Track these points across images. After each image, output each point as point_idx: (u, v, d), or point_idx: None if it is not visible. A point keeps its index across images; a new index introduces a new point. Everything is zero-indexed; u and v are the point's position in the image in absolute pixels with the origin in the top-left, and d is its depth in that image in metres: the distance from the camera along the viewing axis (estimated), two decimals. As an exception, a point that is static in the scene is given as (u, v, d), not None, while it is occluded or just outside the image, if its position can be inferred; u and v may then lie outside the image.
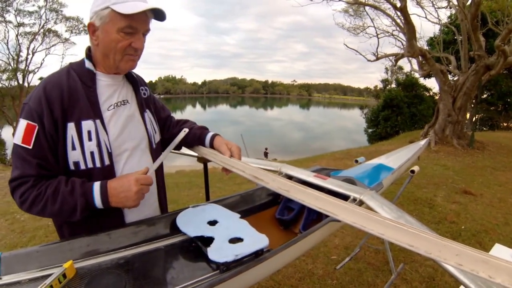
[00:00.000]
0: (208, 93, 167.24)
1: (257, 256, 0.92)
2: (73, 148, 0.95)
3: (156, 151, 1.17)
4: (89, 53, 1.04)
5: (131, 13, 0.92)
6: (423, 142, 2.71)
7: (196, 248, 0.98)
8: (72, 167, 0.96)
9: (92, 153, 0.96)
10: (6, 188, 5.80)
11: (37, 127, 0.90)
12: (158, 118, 1.25)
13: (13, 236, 3.47)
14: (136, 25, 0.96)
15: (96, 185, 0.93)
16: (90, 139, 0.96)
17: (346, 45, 12.38)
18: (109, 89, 1.05)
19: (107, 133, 0.99)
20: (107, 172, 0.99)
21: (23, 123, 0.91)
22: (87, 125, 0.96)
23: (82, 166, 0.96)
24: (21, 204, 0.93)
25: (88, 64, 1.02)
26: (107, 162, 0.99)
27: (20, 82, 16.61)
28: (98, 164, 0.98)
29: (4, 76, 16.32)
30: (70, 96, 0.95)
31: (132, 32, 0.97)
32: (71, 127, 0.94)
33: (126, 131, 1.05)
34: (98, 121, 0.98)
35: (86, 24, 1.01)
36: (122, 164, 1.04)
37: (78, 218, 0.93)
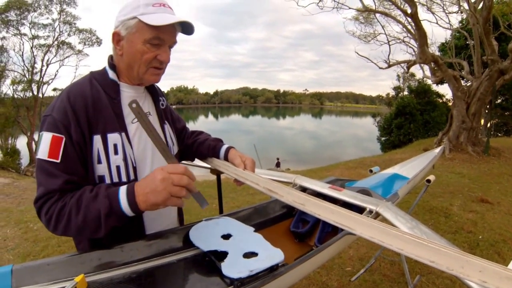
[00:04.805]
0: (220, 103, 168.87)
1: (272, 271, 0.90)
2: (99, 161, 0.92)
3: None
4: (111, 62, 1.01)
5: (160, 24, 0.90)
6: (437, 150, 2.65)
7: (210, 262, 0.96)
8: (96, 181, 0.93)
9: (118, 167, 0.94)
10: (20, 197, 5.93)
11: (64, 139, 0.86)
12: (174, 129, 1.23)
13: (26, 245, 3.51)
14: (164, 37, 0.94)
15: (123, 187, 0.85)
16: (116, 152, 0.93)
17: (357, 53, 12.40)
18: None
19: (131, 147, 0.97)
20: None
21: (47, 136, 0.86)
22: (113, 138, 0.93)
23: (107, 181, 0.93)
24: (48, 223, 0.85)
25: (112, 75, 0.99)
26: (132, 176, 0.96)
27: (35, 93, 17.03)
28: (124, 179, 0.95)
29: (19, 87, 16.77)
30: (95, 107, 0.92)
31: (158, 44, 0.94)
32: (97, 139, 0.91)
33: (149, 145, 1.03)
34: (123, 134, 0.95)
35: (111, 33, 0.97)
36: None
37: (103, 232, 0.84)
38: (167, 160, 0.89)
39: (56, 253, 3.25)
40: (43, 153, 0.85)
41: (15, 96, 16.71)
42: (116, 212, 0.82)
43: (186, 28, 1.00)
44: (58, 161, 0.85)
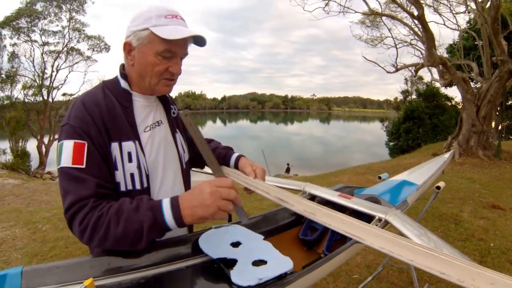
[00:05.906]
0: (228, 109, 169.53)
1: (281, 279, 0.90)
2: (115, 168, 0.92)
3: (186, 171, 1.16)
4: (123, 71, 1.02)
5: (172, 38, 0.89)
6: (447, 155, 2.63)
7: (218, 270, 0.96)
8: None
9: (132, 175, 0.94)
10: (29, 198, 6.05)
11: (86, 144, 0.86)
12: (185, 136, 1.23)
13: (34, 245, 3.56)
14: (175, 49, 0.94)
15: (166, 199, 0.83)
16: (130, 160, 0.94)
17: (364, 57, 12.35)
18: (144, 110, 1.03)
19: (144, 155, 0.98)
20: (145, 195, 0.95)
21: (69, 144, 0.85)
22: (127, 146, 0.94)
23: (122, 188, 0.94)
24: (81, 234, 0.83)
25: (124, 84, 1.00)
26: (145, 184, 0.97)
27: (45, 97, 17.33)
28: (138, 186, 0.95)
29: (30, 92, 17.07)
30: (110, 115, 0.92)
31: (170, 56, 0.94)
32: (114, 147, 0.92)
33: (160, 153, 1.04)
34: (137, 143, 0.96)
35: (122, 42, 0.97)
36: (157, 187, 1.02)
37: (143, 245, 0.83)
38: (215, 173, 0.90)
39: (63, 253, 3.29)
40: (66, 160, 0.84)
41: (26, 100, 17.02)
42: (160, 225, 0.81)
43: (198, 39, 0.99)
44: (83, 166, 0.84)
